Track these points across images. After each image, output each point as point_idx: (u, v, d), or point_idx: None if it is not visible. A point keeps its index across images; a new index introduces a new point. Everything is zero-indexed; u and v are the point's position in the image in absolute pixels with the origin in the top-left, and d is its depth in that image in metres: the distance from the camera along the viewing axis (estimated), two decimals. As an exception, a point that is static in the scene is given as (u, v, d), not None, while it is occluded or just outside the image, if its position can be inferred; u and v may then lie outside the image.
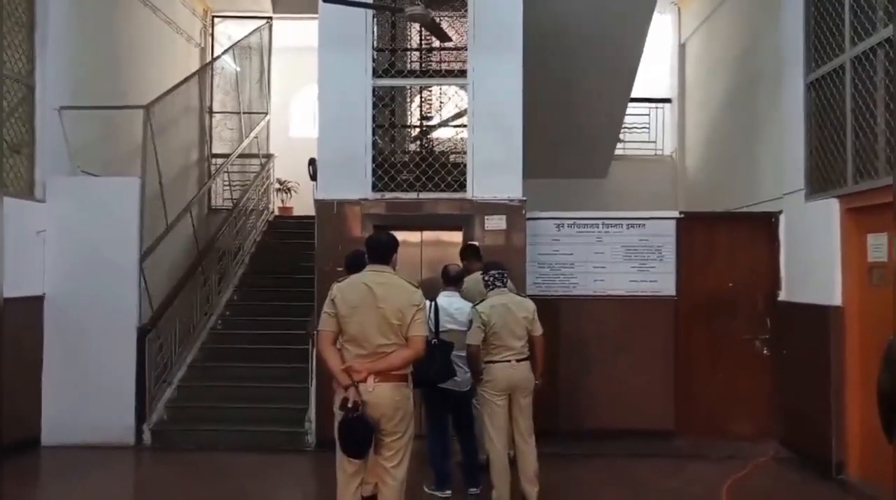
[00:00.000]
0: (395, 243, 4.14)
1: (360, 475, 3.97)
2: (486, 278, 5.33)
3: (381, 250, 4.05)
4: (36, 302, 6.82)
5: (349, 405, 3.73)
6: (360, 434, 3.78)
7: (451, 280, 5.59)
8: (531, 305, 5.28)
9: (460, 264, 5.98)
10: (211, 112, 10.91)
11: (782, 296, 6.95)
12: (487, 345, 5.11)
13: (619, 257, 7.10)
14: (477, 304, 5.21)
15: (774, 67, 7.18)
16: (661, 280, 7.09)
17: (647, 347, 7.05)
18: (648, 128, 11.20)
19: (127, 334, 6.91)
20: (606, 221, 7.17)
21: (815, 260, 6.31)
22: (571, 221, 7.16)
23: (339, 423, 3.83)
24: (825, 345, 6.00)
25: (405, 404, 3.93)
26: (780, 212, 6.98)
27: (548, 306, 6.81)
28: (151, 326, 7.15)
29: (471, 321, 5.15)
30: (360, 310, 3.86)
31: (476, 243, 6.48)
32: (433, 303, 5.28)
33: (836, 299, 5.92)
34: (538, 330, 5.23)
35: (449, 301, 5.45)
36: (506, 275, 5.37)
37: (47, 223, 6.90)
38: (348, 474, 3.93)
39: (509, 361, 5.10)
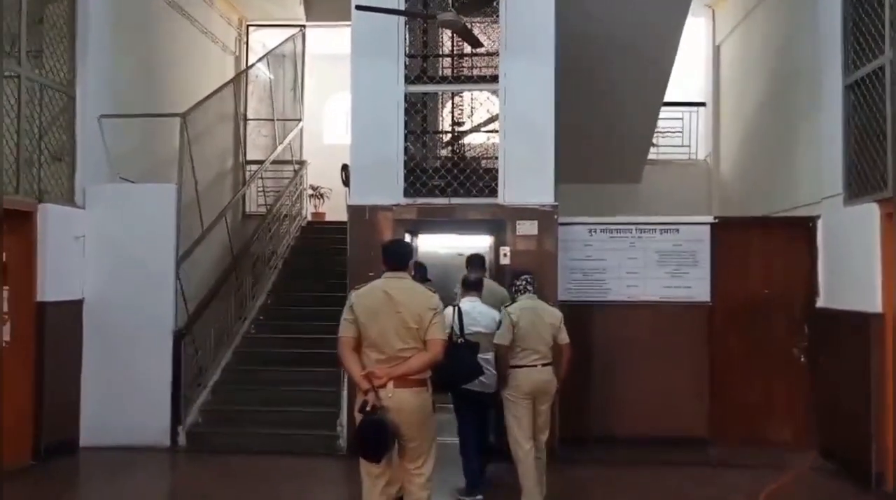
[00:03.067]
0: (410, 250, 4.24)
1: (386, 477, 4.00)
2: (518, 283, 5.44)
3: (398, 257, 4.16)
4: (75, 306, 6.96)
5: (367, 409, 3.81)
6: (378, 437, 3.83)
7: (472, 286, 5.76)
8: (559, 313, 5.39)
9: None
10: (245, 119, 11.03)
11: (820, 302, 6.84)
12: (514, 348, 5.17)
13: (652, 262, 7.07)
14: (507, 305, 5.30)
15: (812, 69, 7.08)
16: (696, 286, 7.03)
17: (682, 353, 7.00)
18: (682, 132, 11.10)
19: (163, 338, 7.02)
20: (640, 227, 7.14)
21: (854, 266, 6.20)
22: (604, 227, 7.14)
23: (357, 425, 3.90)
24: (865, 353, 5.88)
25: (425, 409, 3.99)
26: (818, 217, 6.88)
27: (580, 313, 6.90)
28: (187, 330, 7.24)
29: (499, 322, 5.23)
30: (378, 315, 3.94)
31: (481, 253, 6.55)
32: (456, 308, 5.36)
33: (877, 306, 5.81)
34: (565, 339, 5.32)
35: (472, 305, 5.56)
36: (534, 281, 5.47)
37: (87, 229, 7.04)
38: (373, 476, 3.98)
39: (535, 365, 5.16)
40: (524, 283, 5.40)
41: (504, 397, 5.26)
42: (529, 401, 5.16)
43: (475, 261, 6.22)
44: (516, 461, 5.19)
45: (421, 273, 6.05)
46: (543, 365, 5.19)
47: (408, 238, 7.00)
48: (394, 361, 3.91)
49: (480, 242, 7.55)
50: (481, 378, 5.27)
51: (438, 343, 3.98)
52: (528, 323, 5.16)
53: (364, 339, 3.96)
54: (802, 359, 6.94)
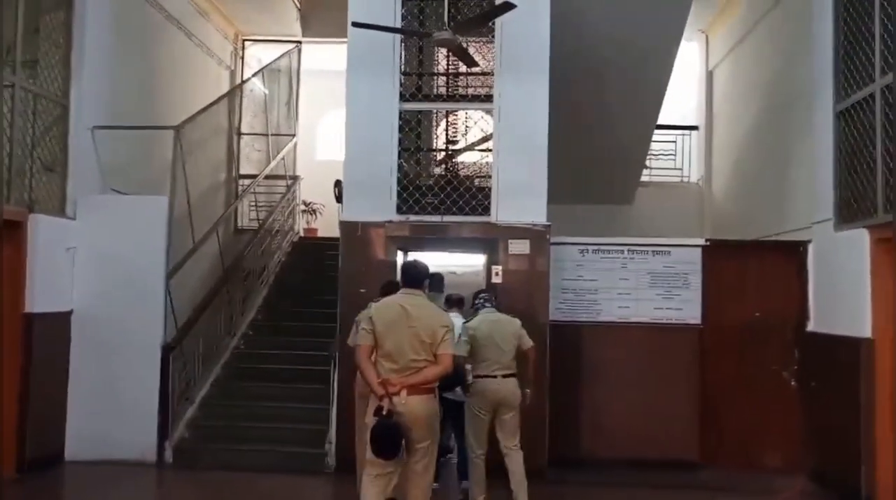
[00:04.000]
0: (427, 271, 4.69)
1: (388, 477, 4.30)
2: (476, 301, 5.88)
3: (415, 276, 4.59)
4: (63, 318, 6.90)
5: (382, 413, 4.19)
6: (392, 437, 4.20)
7: (454, 303, 6.36)
8: (517, 321, 5.71)
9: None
10: (239, 133, 11.05)
11: (811, 327, 6.86)
12: (476, 359, 5.47)
13: (644, 284, 7.09)
14: (467, 321, 5.67)
15: (804, 95, 7.16)
16: (687, 308, 7.05)
17: (673, 375, 6.99)
18: (675, 155, 11.20)
19: (152, 352, 6.95)
20: (632, 248, 7.16)
21: (844, 291, 6.24)
22: (596, 247, 7.16)
23: (372, 427, 4.24)
24: (855, 377, 5.90)
25: (433, 414, 4.42)
26: (809, 241, 6.92)
27: (571, 333, 6.97)
28: (176, 344, 7.19)
29: (460, 335, 5.43)
30: (395, 328, 4.33)
31: (440, 273, 6.59)
32: None
33: (866, 331, 5.84)
34: (528, 343, 5.62)
35: (456, 321, 5.75)
36: (494, 298, 5.91)
37: (77, 240, 7.00)
38: (372, 475, 4.30)
39: (495, 376, 5.46)
40: (482, 300, 5.83)
41: (466, 406, 5.59)
42: (488, 411, 5.46)
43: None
44: (469, 467, 5.59)
45: (437, 285, 6.30)
46: (504, 376, 5.46)
47: (399, 255, 7.02)
48: (406, 370, 4.30)
49: (472, 261, 7.51)
50: (457, 388, 5.58)
51: (449, 357, 4.40)
52: (486, 334, 5.49)
53: (379, 348, 4.35)
54: (793, 383, 6.95)
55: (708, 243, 7.19)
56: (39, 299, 6.54)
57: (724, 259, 7.11)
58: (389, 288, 5.31)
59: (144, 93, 8.79)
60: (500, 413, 5.46)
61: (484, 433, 5.49)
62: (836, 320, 6.38)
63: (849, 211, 6.22)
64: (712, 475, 6.73)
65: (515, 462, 5.44)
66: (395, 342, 4.30)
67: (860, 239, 5.94)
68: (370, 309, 4.49)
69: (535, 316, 6.55)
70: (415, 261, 4.83)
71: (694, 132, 11.30)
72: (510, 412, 5.48)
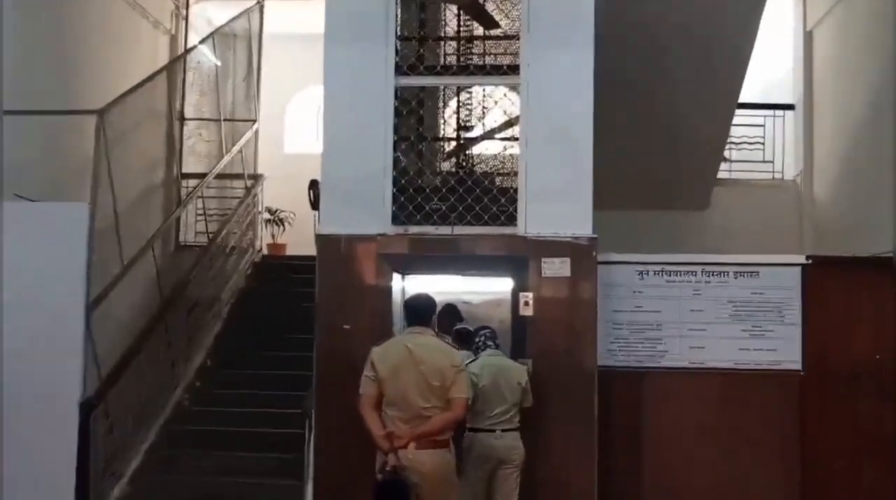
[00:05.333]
0: (433, 305, 5.44)
1: None
2: (477, 339, 6.56)
3: (420, 312, 5.34)
4: (-48, 365, 6.87)
5: (387, 469, 4.83)
6: (398, 497, 4.81)
7: (463, 340, 6.78)
8: (524, 372, 6.33)
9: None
10: (182, 119, 11.00)
11: (951, 372, 6.81)
12: (472, 410, 5.88)
13: (724, 316, 7.05)
14: (468, 363, 6.05)
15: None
16: (782, 349, 7.01)
17: (763, 440, 6.95)
18: (763, 143, 11.09)
19: (67, 410, 6.84)
20: (707, 268, 7.10)
21: None
22: (659, 268, 7.11)
23: (375, 486, 4.93)
24: None
25: (446, 470, 5.10)
26: (948, 259, 6.88)
27: (626, 382, 6.99)
28: (99, 399, 7.13)
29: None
30: (400, 372, 5.04)
31: (452, 304, 7.21)
32: None
33: None
34: (529, 402, 6.27)
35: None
36: (495, 337, 6.54)
37: (-32, 262, 6.98)
38: None
39: (494, 430, 6.12)
40: (483, 338, 6.52)
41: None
42: (484, 471, 6.11)
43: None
44: None
45: (451, 318, 6.98)
46: (504, 431, 6.13)
47: (396, 279, 7.10)
48: (416, 420, 5.00)
49: (493, 286, 7.60)
50: None
51: (461, 402, 5.12)
52: (491, 381, 6.14)
53: (385, 396, 5.06)
54: (929, 450, 6.91)
55: (810, 262, 7.16)
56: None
57: (832, 282, 7.08)
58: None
59: (56, 67, 8.82)
60: (498, 470, 6.15)
61: (482, 490, 6.14)
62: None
63: None
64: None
65: None
66: (401, 389, 4.99)
67: None
68: (372, 353, 5.17)
69: (578, 360, 6.60)
70: (420, 295, 5.50)
71: (788, 113, 11.22)
72: (510, 470, 6.17)
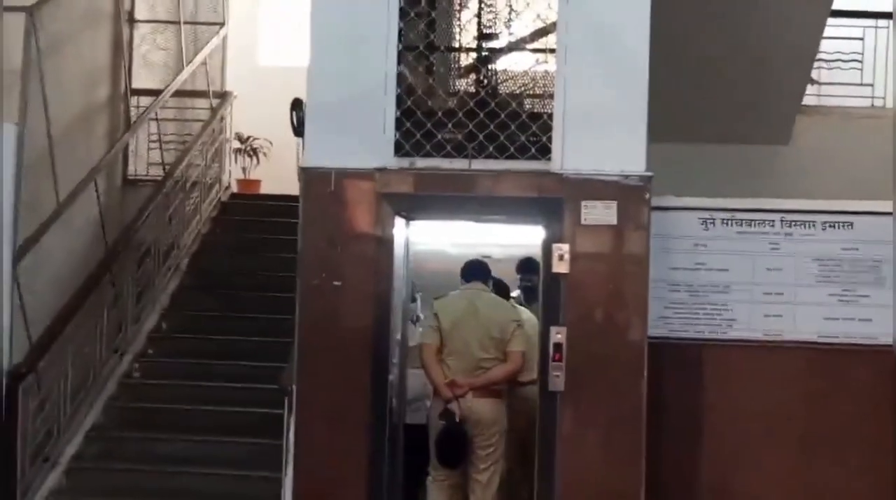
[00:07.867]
0: (489, 268, 6.67)
1: (451, 488, 6.11)
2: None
3: (479, 270, 6.48)
4: None
5: (453, 418, 5.83)
6: (458, 445, 5.87)
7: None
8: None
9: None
10: (132, 21, 10.54)
11: None
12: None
13: (808, 277, 6.46)
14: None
15: None
16: (879, 319, 6.40)
17: (853, 429, 6.40)
18: (862, 62, 10.47)
19: None
20: (788, 217, 6.50)
21: None
22: (728, 215, 6.53)
23: (438, 433, 5.94)
24: None
25: (501, 419, 6.09)
26: None
27: (683, 357, 6.62)
28: (28, 369, 6.96)
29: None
30: (462, 324, 6.07)
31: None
32: None
33: None
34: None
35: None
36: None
37: None
38: (439, 481, 6.11)
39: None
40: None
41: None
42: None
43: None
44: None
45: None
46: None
47: (399, 225, 6.66)
48: (474, 370, 6.04)
49: (519, 237, 7.29)
50: None
51: (519, 355, 6.11)
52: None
53: (445, 347, 6.07)
54: None
55: (918, 210, 6.69)
56: None
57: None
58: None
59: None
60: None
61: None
62: None
63: None
64: None
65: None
66: (463, 340, 6.01)
67: None
68: (434, 305, 6.20)
69: (623, 329, 6.13)
70: (475, 260, 6.62)
71: (892, 23, 10.47)
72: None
